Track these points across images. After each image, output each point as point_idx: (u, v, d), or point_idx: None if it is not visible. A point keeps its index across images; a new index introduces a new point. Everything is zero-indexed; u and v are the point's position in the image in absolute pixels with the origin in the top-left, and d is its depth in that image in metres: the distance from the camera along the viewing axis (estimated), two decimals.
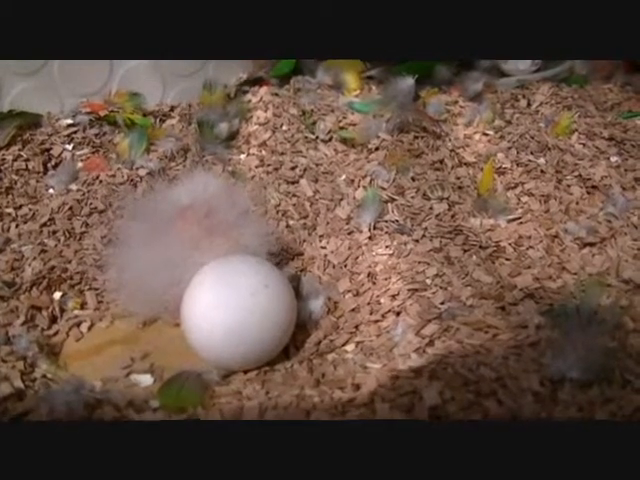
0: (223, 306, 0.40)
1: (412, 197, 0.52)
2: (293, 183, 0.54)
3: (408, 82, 0.59)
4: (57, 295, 0.46)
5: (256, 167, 0.56)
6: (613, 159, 0.58)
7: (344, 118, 0.59)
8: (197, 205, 0.44)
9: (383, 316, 0.44)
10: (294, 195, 0.53)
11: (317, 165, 0.56)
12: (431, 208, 0.51)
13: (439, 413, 0.36)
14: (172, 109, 0.62)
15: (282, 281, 0.42)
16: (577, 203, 0.54)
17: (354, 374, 0.39)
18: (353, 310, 0.45)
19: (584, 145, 0.60)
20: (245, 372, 0.42)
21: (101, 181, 0.54)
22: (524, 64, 0.69)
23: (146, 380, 0.42)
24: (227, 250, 0.43)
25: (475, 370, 0.39)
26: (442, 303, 0.43)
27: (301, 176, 0.55)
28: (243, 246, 0.44)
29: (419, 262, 0.46)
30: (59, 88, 0.58)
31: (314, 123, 0.59)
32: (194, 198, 0.45)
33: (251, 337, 0.40)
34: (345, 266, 0.48)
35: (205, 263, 0.42)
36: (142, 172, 0.55)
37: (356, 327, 0.44)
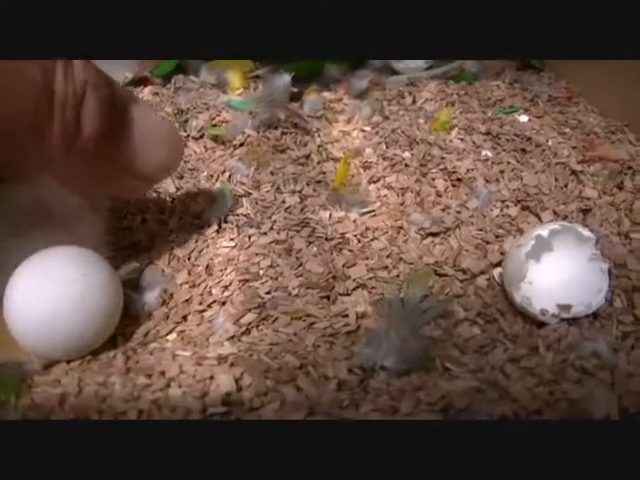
0: (38, 296, 0.40)
1: (267, 191, 0.52)
2: None
3: (284, 79, 0.60)
4: None
5: None
6: (483, 153, 0.58)
7: (217, 116, 0.60)
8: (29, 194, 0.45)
9: (209, 306, 0.44)
10: (156, 191, 0.54)
11: (185, 162, 0.56)
12: (283, 201, 0.51)
13: (233, 399, 0.36)
14: None
15: (104, 270, 0.42)
16: (440, 196, 0.54)
17: (162, 362, 0.39)
18: (186, 301, 0.45)
19: (462, 140, 0.61)
20: (68, 362, 0.42)
21: None
22: (416, 62, 0.69)
23: None
24: (57, 239, 0.44)
25: (280, 357, 0.39)
26: (268, 293, 0.44)
27: None
28: (76, 236, 0.44)
29: (257, 254, 0.47)
30: None
31: (186, 121, 0.59)
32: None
33: (68, 327, 0.40)
34: (189, 259, 0.48)
35: (34, 250, 0.43)
36: None
37: (184, 317, 0.44)
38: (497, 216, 0.52)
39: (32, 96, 0.33)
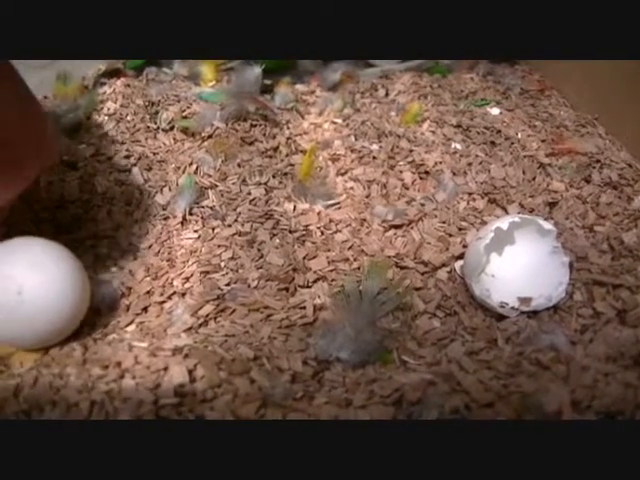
0: None
1: (233, 183, 0.52)
2: (125, 171, 0.55)
3: (255, 71, 0.60)
4: None
5: (91, 156, 0.56)
6: (453, 145, 0.58)
7: (188, 108, 0.59)
8: None
9: (169, 297, 0.44)
10: (123, 183, 0.54)
11: (154, 154, 0.56)
12: (249, 193, 0.51)
13: (186, 391, 0.36)
14: None
15: (59, 261, 0.41)
16: (407, 188, 0.54)
17: (118, 353, 0.39)
18: (147, 293, 0.45)
19: (433, 132, 0.61)
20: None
21: None
22: None
23: None
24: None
25: (234, 349, 0.39)
26: (227, 284, 0.44)
27: (134, 164, 0.55)
28: None
29: (219, 246, 0.47)
30: None
31: (156, 113, 0.59)
32: None
33: (23, 323, 0.40)
34: (151, 250, 0.48)
35: None
36: None
37: (144, 309, 0.44)
38: (464, 209, 0.52)
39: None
